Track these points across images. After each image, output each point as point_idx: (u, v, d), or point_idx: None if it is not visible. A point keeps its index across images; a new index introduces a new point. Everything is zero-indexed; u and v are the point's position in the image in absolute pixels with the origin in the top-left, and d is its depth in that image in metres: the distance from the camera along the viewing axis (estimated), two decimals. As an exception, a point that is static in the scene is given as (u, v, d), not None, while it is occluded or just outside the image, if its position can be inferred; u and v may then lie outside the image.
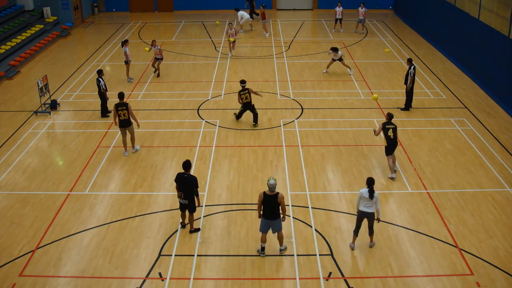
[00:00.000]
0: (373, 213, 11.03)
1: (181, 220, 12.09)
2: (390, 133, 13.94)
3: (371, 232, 11.30)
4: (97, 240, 11.75)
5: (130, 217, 12.56)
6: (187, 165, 11.53)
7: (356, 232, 11.28)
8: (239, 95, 17.00)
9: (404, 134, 16.70)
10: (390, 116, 14.22)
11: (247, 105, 17.18)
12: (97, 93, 18.06)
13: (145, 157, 15.40)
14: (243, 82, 17.18)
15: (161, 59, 22.22)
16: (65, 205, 13.13)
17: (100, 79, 17.71)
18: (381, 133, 14.25)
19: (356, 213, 11.35)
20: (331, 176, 14.30)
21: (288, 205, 12.79)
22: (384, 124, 14.03)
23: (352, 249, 11.33)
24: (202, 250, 11.35)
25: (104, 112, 18.11)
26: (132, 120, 15.28)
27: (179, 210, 11.96)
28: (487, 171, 14.49)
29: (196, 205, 11.64)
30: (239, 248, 11.41)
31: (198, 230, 11.91)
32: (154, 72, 22.39)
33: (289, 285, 10.36)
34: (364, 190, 10.96)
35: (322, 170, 14.62)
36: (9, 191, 13.83)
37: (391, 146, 14.02)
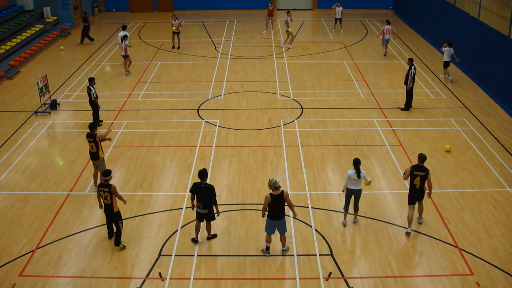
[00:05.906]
0: (360, 190, 11.84)
1: (194, 236, 11.61)
2: (417, 181, 11.40)
3: (356, 209, 12.12)
4: (97, 240, 11.74)
5: (130, 217, 12.55)
6: (203, 174, 11.00)
7: (346, 208, 12.12)
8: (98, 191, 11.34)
9: (404, 134, 16.69)
10: (422, 159, 11.43)
11: (107, 211, 11.30)
12: (88, 101, 17.27)
13: (145, 157, 15.39)
14: (105, 173, 11.24)
15: (179, 33, 25.95)
16: (65, 205, 13.13)
17: (91, 87, 16.75)
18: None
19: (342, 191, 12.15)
20: (331, 176, 14.29)
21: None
22: (412, 169, 11.45)
23: (344, 225, 12.10)
24: (202, 250, 11.35)
25: (96, 122, 17.57)
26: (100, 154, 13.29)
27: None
28: (487, 171, 14.49)
29: (215, 213, 11.30)
30: (239, 248, 11.40)
31: (215, 236, 11.73)
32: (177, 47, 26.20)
33: (289, 285, 10.36)
34: (352, 172, 11.65)
35: (322, 170, 14.62)
36: (9, 191, 13.83)
37: (414, 194, 11.60)
